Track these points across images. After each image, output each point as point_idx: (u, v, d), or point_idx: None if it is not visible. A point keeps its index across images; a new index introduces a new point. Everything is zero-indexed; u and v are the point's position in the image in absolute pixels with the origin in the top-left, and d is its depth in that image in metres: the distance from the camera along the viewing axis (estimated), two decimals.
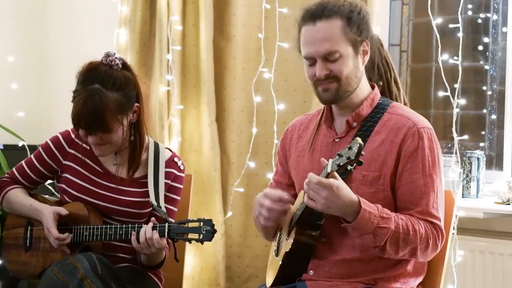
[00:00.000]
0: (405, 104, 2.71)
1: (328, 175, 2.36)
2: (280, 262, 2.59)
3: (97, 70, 2.93)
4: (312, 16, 2.54)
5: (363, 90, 2.60)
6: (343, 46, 2.51)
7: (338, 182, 2.38)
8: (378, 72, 2.67)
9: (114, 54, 2.98)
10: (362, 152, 2.29)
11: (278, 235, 2.72)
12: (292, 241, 2.54)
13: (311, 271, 2.58)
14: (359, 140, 2.28)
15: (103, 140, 2.96)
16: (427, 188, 2.50)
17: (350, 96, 2.56)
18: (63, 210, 3.00)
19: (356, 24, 2.53)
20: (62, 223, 3.00)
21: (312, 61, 2.55)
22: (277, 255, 2.68)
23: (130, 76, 2.99)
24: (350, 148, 2.30)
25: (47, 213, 3.01)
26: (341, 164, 2.31)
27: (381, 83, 2.67)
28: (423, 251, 2.49)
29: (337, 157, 2.33)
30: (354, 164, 2.43)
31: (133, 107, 2.99)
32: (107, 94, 2.90)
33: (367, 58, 2.57)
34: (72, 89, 2.95)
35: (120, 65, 2.98)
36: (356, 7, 2.55)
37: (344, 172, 2.50)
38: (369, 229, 2.42)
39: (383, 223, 2.43)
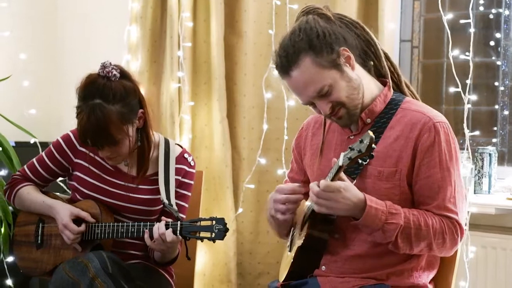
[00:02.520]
0: (406, 85, 2.68)
1: (339, 169, 2.36)
2: (293, 257, 2.60)
3: (96, 84, 2.93)
4: (282, 70, 2.51)
5: (371, 89, 2.58)
6: (326, 76, 2.48)
7: (345, 184, 2.39)
8: (365, 54, 2.60)
9: (110, 64, 2.96)
10: (374, 146, 2.28)
11: (291, 232, 2.72)
12: (305, 235, 2.54)
13: (323, 266, 2.58)
14: (370, 133, 2.28)
15: (113, 152, 2.97)
16: (444, 182, 2.49)
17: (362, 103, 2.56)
18: (82, 213, 3.00)
19: (323, 47, 2.46)
20: (74, 220, 3.00)
21: (311, 103, 2.55)
22: (290, 250, 2.68)
23: (129, 84, 2.98)
24: (361, 141, 2.30)
25: (62, 210, 3.01)
26: (352, 157, 2.31)
27: (371, 62, 2.61)
28: (440, 246, 2.49)
29: (348, 150, 2.33)
30: (367, 159, 2.43)
31: (137, 114, 2.99)
32: (109, 108, 2.90)
33: (353, 61, 2.51)
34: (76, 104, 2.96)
35: (118, 75, 2.96)
36: (312, 30, 2.48)
37: (357, 168, 2.50)
38: (377, 225, 2.43)
39: (392, 218, 2.43)
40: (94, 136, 2.90)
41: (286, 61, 2.49)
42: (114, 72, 2.95)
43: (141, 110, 3.00)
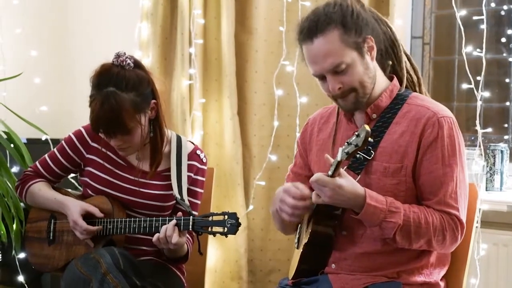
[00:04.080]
0: (422, 87, 2.69)
1: (338, 164, 2.36)
2: (300, 254, 2.59)
3: (110, 72, 2.93)
4: (308, 34, 2.49)
5: (380, 83, 2.58)
6: (347, 54, 2.46)
7: (341, 181, 2.38)
8: (386, 52, 2.60)
9: (125, 53, 2.98)
10: (370, 139, 2.29)
11: (298, 228, 2.71)
12: (310, 232, 2.54)
13: (333, 264, 2.58)
14: (366, 127, 2.28)
15: (125, 142, 2.97)
16: (446, 178, 2.48)
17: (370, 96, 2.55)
18: (91, 208, 3.01)
19: (353, 27, 2.46)
20: (87, 216, 3.01)
21: (322, 77, 2.53)
22: (298, 247, 2.68)
23: (143, 74, 2.99)
24: (358, 136, 2.30)
25: (72, 206, 3.02)
26: (349, 152, 2.32)
27: (390, 62, 2.62)
28: (440, 242, 2.49)
29: (346, 145, 2.34)
30: (371, 154, 2.44)
31: (150, 104, 2.99)
32: (122, 96, 2.90)
33: (374, 52, 2.51)
34: (88, 93, 2.97)
35: (132, 64, 2.97)
36: (348, 8, 2.48)
37: (361, 163, 2.51)
38: (375, 222, 2.44)
39: (391, 217, 2.43)
40: (107, 124, 2.90)
41: (314, 26, 2.47)
42: (128, 61, 2.96)
43: (153, 101, 3.00)
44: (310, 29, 2.48)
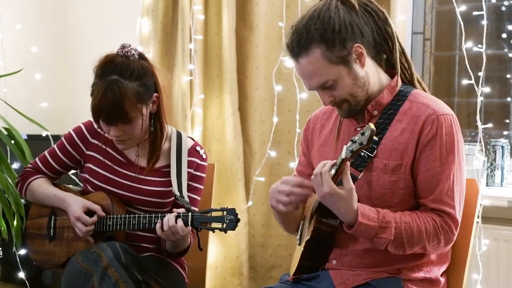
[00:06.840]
0: (418, 81, 2.67)
1: (343, 161, 2.35)
2: (302, 251, 2.59)
3: (114, 61, 2.94)
4: (292, 54, 2.50)
5: (379, 81, 2.56)
6: (332, 71, 2.46)
7: (339, 193, 2.38)
8: (380, 46, 2.57)
9: (130, 45, 2.98)
10: (375, 138, 2.28)
11: (301, 225, 2.71)
12: (312, 229, 2.54)
13: (334, 260, 2.58)
14: (371, 125, 2.27)
15: (124, 133, 2.96)
16: (443, 175, 2.47)
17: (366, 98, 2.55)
18: (93, 206, 3.00)
19: (336, 42, 2.44)
20: (87, 213, 3.01)
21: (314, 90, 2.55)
22: (300, 244, 2.68)
23: (147, 65, 2.99)
24: (362, 134, 2.30)
25: (74, 203, 3.02)
26: (354, 150, 2.31)
27: (384, 56, 2.60)
28: (436, 246, 2.49)
29: (350, 143, 2.33)
30: (374, 152, 2.44)
31: (152, 97, 2.99)
32: (126, 84, 2.90)
33: (364, 58, 2.49)
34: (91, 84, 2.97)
35: (137, 56, 2.98)
36: (329, 23, 2.44)
37: (364, 160, 2.50)
38: (366, 238, 2.46)
39: (381, 233, 2.43)
40: (108, 111, 2.90)
41: (297, 47, 2.47)
42: (133, 52, 2.97)
43: (155, 94, 3.00)
44: (293, 50, 2.48)
